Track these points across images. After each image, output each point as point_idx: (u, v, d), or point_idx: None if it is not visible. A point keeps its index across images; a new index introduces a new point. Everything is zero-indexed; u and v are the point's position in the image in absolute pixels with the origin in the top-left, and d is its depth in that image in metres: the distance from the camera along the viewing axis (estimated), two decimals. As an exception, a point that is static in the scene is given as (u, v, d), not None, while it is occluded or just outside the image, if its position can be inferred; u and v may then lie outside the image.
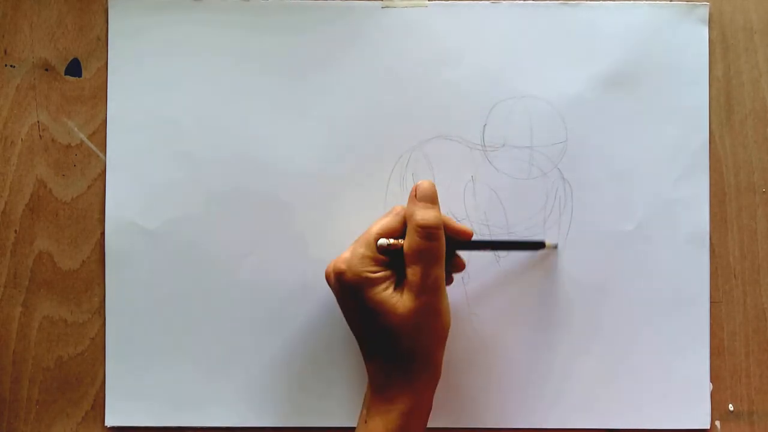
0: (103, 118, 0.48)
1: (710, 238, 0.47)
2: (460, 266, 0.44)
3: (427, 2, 0.47)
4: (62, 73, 0.48)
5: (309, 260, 0.47)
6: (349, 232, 0.47)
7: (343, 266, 0.40)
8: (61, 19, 0.48)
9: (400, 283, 0.40)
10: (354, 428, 0.43)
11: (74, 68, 0.48)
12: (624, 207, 0.47)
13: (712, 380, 0.47)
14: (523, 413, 0.47)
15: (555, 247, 0.47)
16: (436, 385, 0.42)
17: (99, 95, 0.48)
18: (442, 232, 0.40)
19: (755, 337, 0.47)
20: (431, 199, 0.41)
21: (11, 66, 0.48)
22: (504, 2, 0.47)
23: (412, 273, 0.39)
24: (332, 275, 0.41)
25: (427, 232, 0.40)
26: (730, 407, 0.47)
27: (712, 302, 0.47)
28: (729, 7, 0.48)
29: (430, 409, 0.42)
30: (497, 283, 0.47)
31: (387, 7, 0.47)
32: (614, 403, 0.47)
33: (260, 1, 0.48)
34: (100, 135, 0.48)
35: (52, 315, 0.48)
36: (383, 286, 0.40)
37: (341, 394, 0.47)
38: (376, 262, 0.40)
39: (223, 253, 0.47)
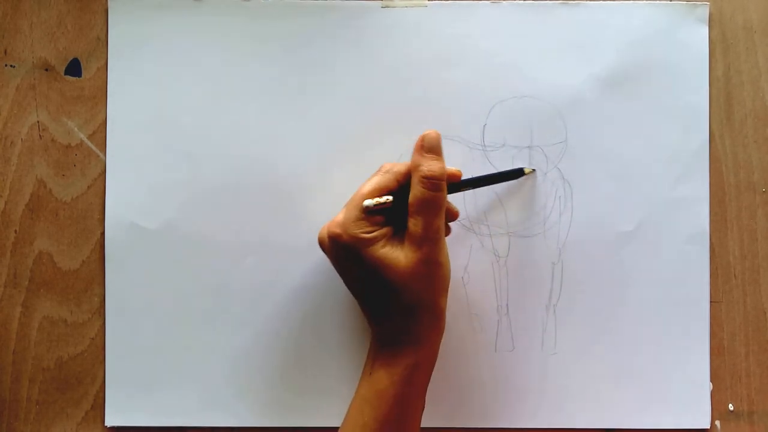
0: (103, 118, 0.48)
1: (710, 238, 0.47)
2: (454, 214, 0.44)
3: (427, 2, 0.47)
4: (62, 73, 0.48)
5: (310, 260, 0.47)
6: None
7: (338, 230, 0.40)
8: (61, 19, 0.48)
9: (395, 237, 0.41)
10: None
11: (74, 68, 0.48)
12: (624, 207, 0.47)
13: (712, 380, 0.47)
14: (523, 413, 0.47)
15: (533, 171, 0.47)
16: (442, 335, 0.42)
17: (99, 95, 0.48)
18: (445, 183, 0.40)
19: (755, 337, 0.47)
20: (437, 150, 0.41)
21: (11, 66, 0.48)
22: (504, 2, 0.47)
23: (414, 224, 0.39)
24: (327, 240, 0.41)
25: (434, 183, 0.40)
26: (730, 407, 0.47)
27: (712, 302, 0.47)
28: (729, 7, 0.48)
29: (435, 361, 0.42)
30: (497, 283, 0.47)
31: (387, 7, 0.47)
32: (614, 403, 0.47)
33: (260, 2, 0.48)
34: (100, 135, 0.48)
35: (52, 315, 0.48)
36: (380, 243, 0.40)
37: (343, 394, 0.47)
38: (370, 222, 0.40)
39: (223, 253, 0.47)
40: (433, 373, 0.42)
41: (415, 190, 0.40)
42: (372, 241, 0.40)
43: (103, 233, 0.48)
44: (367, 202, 0.40)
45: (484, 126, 0.47)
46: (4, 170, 0.48)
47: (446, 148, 0.47)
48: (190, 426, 0.47)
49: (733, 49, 0.48)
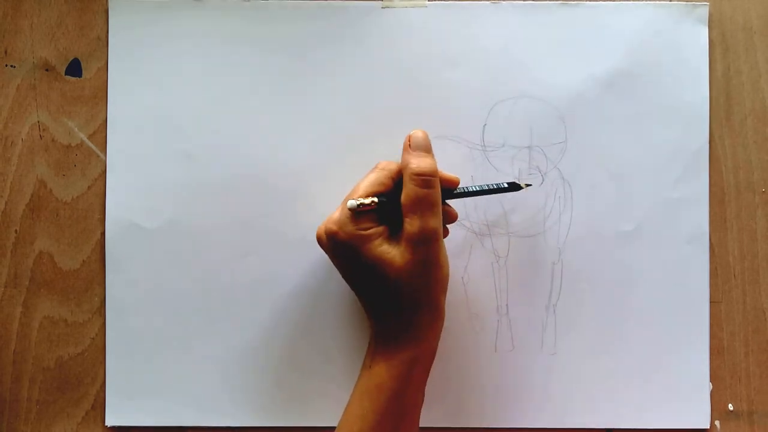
0: (103, 118, 0.48)
1: (710, 238, 0.47)
2: (452, 216, 0.43)
3: (427, 2, 0.47)
4: (62, 73, 0.48)
5: (310, 260, 0.47)
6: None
7: (334, 227, 0.40)
8: (62, 19, 0.48)
9: (393, 236, 0.40)
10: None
11: (74, 68, 0.48)
12: (624, 207, 0.47)
13: (711, 380, 0.47)
14: (523, 413, 0.47)
15: (529, 185, 0.44)
16: (441, 330, 0.42)
17: (99, 95, 0.48)
18: (437, 180, 0.40)
19: (755, 337, 0.47)
20: (425, 148, 0.41)
21: (11, 66, 0.48)
22: (504, 2, 0.47)
23: (410, 223, 0.39)
24: (324, 237, 0.41)
25: (424, 179, 0.39)
26: (730, 407, 0.47)
27: (712, 302, 0.47)
28: (729, 7, 0.48)
29: (434, 356, 0.42)
30: (497, 283, 0.47)
31: (387, 7, 0.48)
32: (614, 403, 0.47)
33: (260, 2, 0.48)
34: (100, 135, 0.48)
35: (52, 315, 0.48)
36: (377, 241, 0.40)
37: (343, 394, 0.47)
38: (367, 219, 0.40)
39: (222, 252, 0.47)
40: (433, 373, 0.42)
41: (407, 189, 0.40)
42: (369, 238, 0.40)
43: (103, 233, 0.48)
44: (351, 204, 0.40)
45: (484, 126, 0.47)
46: (4, 170, 0.48)
47: (446, 148, 0.47)
48: (189, 426, 0.47)
49: (732, 49, 0.48)
